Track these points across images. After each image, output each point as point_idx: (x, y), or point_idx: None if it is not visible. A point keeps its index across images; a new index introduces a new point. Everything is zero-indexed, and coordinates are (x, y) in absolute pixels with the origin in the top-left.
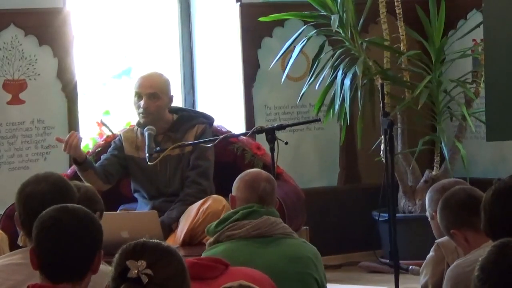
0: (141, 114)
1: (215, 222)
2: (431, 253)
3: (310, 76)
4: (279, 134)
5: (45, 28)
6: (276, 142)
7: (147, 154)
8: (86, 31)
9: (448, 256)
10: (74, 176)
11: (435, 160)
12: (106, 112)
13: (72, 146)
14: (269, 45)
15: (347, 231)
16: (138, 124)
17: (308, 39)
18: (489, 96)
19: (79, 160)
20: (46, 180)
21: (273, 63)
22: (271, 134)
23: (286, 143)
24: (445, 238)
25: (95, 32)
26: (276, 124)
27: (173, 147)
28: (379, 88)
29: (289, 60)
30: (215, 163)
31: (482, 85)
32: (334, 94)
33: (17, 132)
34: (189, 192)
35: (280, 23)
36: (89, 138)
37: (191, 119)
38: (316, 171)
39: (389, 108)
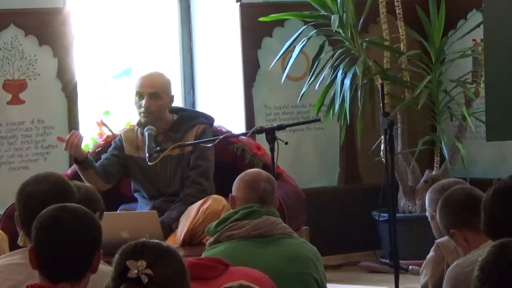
0: (142, 114)
1: (215, 222)
2: (431, 253)
3: (310, 76)
4: (279, 134)
5: (45, 28)
6: (276, 142)
7: (147, 154)
8: (86, 31)
9: (448, 256)
10: (74, 176)
11: (435, 160)
12: (106, 112)
13: (73, 145)
14: (269, 45)
15: (347, 231)
16: (139, 123)
17: (308, 39)
18: (489, 96)
19: (79, 159)
20: (46, 180)
21: (273, 63)
22: (271, 134)
23: (286, 143)
24: (445, 238)
25: (95, 32)
26: (276, 124)
27: (173, 147)
28: (379, 88)
29: (289, 60)
30: (215, 163)
31: (482, 85)
32: (334, 94)
33: (17, 132)
34: (189, 192)
35: (280, 23)
36: (89, 138)
37: (191, 119)
38: (316, 171)
39: (389, 108)
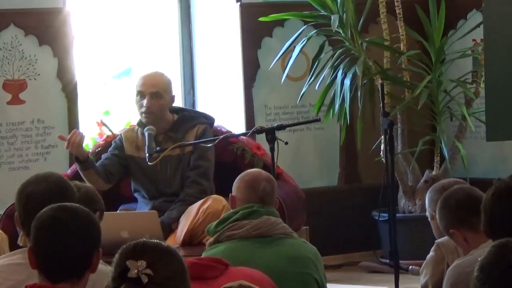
0: (143, 114)
1: (215, 222)
2: (431, 253)
3: (310, 76)
4: (279, 134)
5: (45, 28)
6: (276, 142)
7: (147, 154)
8: (86, 31)
9: (448, 256)
10: (74, 176)
11: (435, 160)
12: (106, 112)
13: (75, 144)
14: (269, 45)
15: (347, 231)
16: (140, 123)
17: (308, 39)
18: (489, 96)
19: (81, 158)
20: (46, 180)
21: (273, 63)
22: (271, 134)
23: (286, 143)
24: (445, 238)
25: (95, 32)
26: (276, 124)
27: (173, 147)
28: (379, 88)
29: (289, 60)
30: (215, 163)
31: (482, 85)
32: (334, 94)
33: (17, 132)
34: (189, 192)
35: (280, 23)
36: (89, 138)
37: (191, 119)
38: (316, 171)
39: (389, 108)
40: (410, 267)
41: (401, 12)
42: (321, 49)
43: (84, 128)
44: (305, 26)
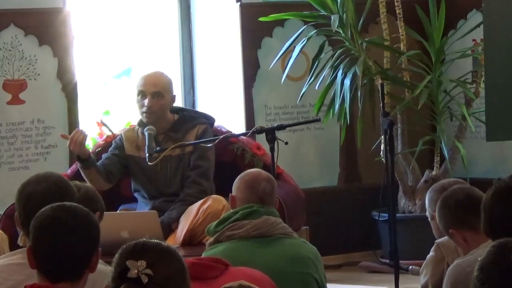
0: (144, 114)
1: (215, 222)
2: (431, 253)
3: (310, 76)
4: (279, 134)
5: (45, 28)
6: (276, 142)
7: (147, 154)
8: (86, 31)
9: (448, 256)
10: (74, 176)
11: (435, 160)
12: (106, 112)
13: (78, 142)
14: (269, 45)
15: (347, 231)
16: (140, 123)
17: (308, 39)
18: (489, 96)
19: (83, 157)
20: (46, 180)
21: (273, 63)
22: (271, 134)
23: (286, 143)
24: (445, 238)
25: (95, 32)
26: (276, 124)
27: (173, 147)
28: (379, 88)
29: (289, 60)
30: (215, 163)
31: (482, 85)
32: (334, 94)
33: (17, 132)
34: (189, 192)
35: (280, 23)
36: (89, 138)
37: (192, 119)
38: (316, 171)
39: (389, 108)
40: (410, 267)
41: (401, 12)
42: (321, 49)
43: (84, 128)
44: (305, 26)
